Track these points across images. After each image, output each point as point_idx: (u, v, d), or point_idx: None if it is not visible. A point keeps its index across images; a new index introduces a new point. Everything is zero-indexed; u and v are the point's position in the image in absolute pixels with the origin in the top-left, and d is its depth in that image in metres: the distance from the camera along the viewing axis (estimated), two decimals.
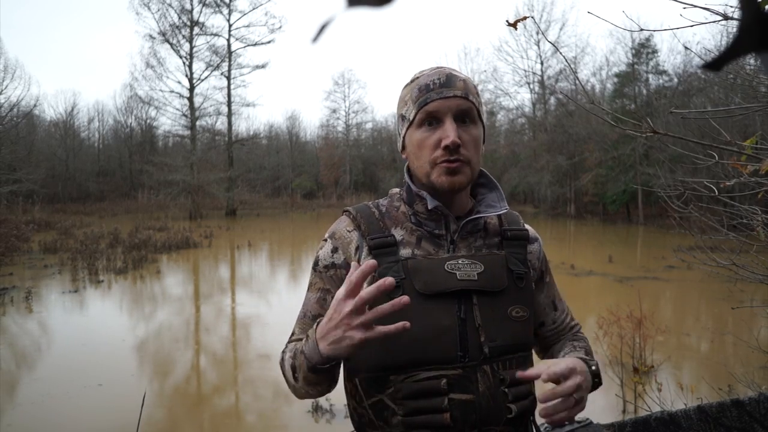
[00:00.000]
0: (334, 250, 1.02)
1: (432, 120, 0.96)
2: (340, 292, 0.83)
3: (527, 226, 1.10)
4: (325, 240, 1.05)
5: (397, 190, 1.09)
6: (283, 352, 1.05)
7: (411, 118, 0.97)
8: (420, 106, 0.96)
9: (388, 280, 0.79)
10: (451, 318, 0.93)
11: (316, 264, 1.04)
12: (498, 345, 0.94)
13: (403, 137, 1.02)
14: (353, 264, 0.84)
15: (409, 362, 0.91)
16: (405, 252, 0.97)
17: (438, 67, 0.99)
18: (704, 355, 5.94)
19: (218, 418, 4.42)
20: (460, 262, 0.96)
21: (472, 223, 1.01)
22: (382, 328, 0.82)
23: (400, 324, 0.81)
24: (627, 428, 1.49)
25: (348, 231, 1.02)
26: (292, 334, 1.07)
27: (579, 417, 2.14)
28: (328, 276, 1.02)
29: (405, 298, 0.80)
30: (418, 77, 0.99)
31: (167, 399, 4.82)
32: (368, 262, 0.81)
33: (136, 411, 4.13)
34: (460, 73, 0.99)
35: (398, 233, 1.00)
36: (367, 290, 0.80)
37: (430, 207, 0.98)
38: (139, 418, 1.46)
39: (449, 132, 0.93)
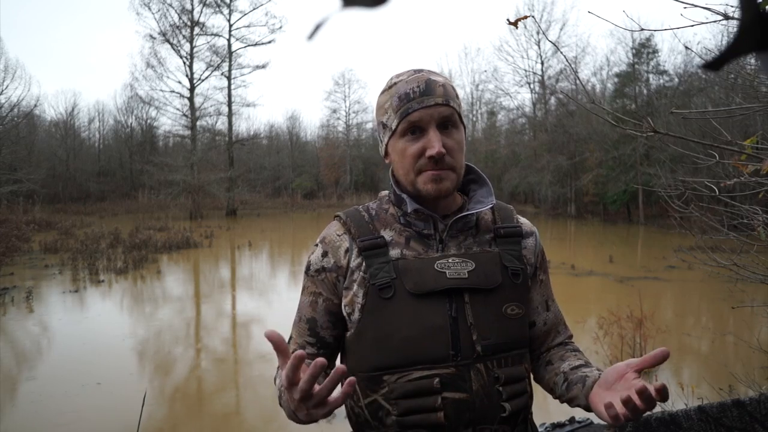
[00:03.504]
0: (324, 254, 1.03)
1: (415, 129, 0.96)
2: (283, 381, 0.77)
3: (522, 220, 1.09)
4: (317, 245, 1.06)
5: (386, 192, 1.10)
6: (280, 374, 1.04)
7: (393, 128, 0.98)
8: (402, 116, 0.95)
9: (320, 361, 0.71)
10: (443, 317, 0.93)
11: (308, 268, 1.06)
12: (491, 343, 0.93)
13: (386, 144, 1.02)
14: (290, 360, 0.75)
15: (401, 362, 0.92)
16: (395, 252, 0.98)
17: (415, 72, 0.98)
18: (705, 355, 5.93)
19: (218, 418, 4.42)
20: (450, 260, 0.96)
21: (462, 221, 1.01)
22: (335, 400, 0.77)
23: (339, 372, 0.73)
24: (627, 428, 1.49)
25: (338, 235, 1.04)
26: (290, 338, 1.09)
27: (579, 417, 2.14)
28: (319, 279, 1.03)
29: (320, 360, 0.71)
30: (396, 83, 0.98)
31: (167, 398, 4.82)
32: (295, 354, 0.73)
33: (136, 410, 4.13)
34: (439, 76, 0.99)
35: (388, 234, 1.01)
36: (304, 379, 0.74)
37: (409, 210, 0.99)
38: (140, 418, 1.46)
39: (434, 143, 0.93)
